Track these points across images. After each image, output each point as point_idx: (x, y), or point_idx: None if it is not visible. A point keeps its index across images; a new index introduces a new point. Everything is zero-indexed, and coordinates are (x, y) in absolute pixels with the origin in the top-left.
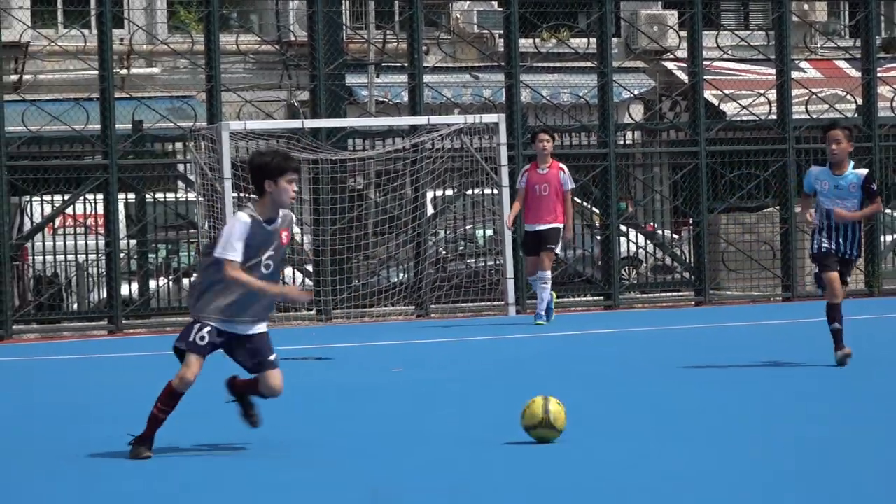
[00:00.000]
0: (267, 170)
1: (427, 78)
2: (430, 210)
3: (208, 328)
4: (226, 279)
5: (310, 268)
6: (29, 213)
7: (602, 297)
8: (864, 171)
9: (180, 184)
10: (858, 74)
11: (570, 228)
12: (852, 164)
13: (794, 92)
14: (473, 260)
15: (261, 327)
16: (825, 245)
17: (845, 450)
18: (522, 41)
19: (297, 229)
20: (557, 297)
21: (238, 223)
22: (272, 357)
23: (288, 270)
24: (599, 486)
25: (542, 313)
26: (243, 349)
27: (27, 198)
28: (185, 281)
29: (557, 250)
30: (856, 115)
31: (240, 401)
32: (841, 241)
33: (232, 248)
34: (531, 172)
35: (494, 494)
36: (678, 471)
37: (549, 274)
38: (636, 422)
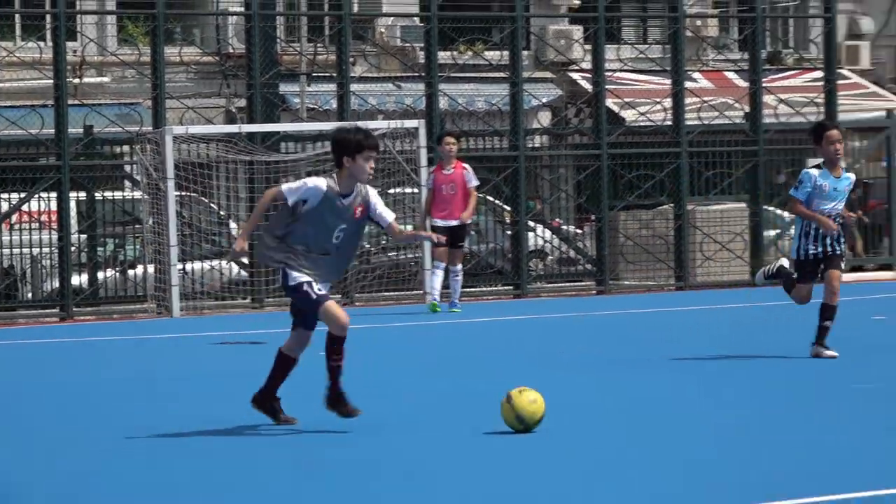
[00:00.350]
0: (347, 146)
1: (354, 87)
2: None
3: (310, 280)
4: (297, 232)
5: (245, 260)
6: None
7: (512, 287)
8: (853, 176)
9: (127, 183)
10: (746, 84)
11: (470, 214)
12: (843, 165)
13: (688, 100)
14: (395, 253)
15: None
16: (812, 251)
17: (730, 427)
18: (441, 53)
19: (233, 224)
20: (471, 287)
21: (314, 187)
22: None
23: (225, 262)
24: (503, 468)
25: (457, 301)
26: None
27: None
28: (131, 272)
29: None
30: (743, 122)
31: (335, 406)
32: (827, 241)
33: (292, 191)
34: (437, 174)
35: (406, 464)
36: (579, 453)
37: (460, 267)
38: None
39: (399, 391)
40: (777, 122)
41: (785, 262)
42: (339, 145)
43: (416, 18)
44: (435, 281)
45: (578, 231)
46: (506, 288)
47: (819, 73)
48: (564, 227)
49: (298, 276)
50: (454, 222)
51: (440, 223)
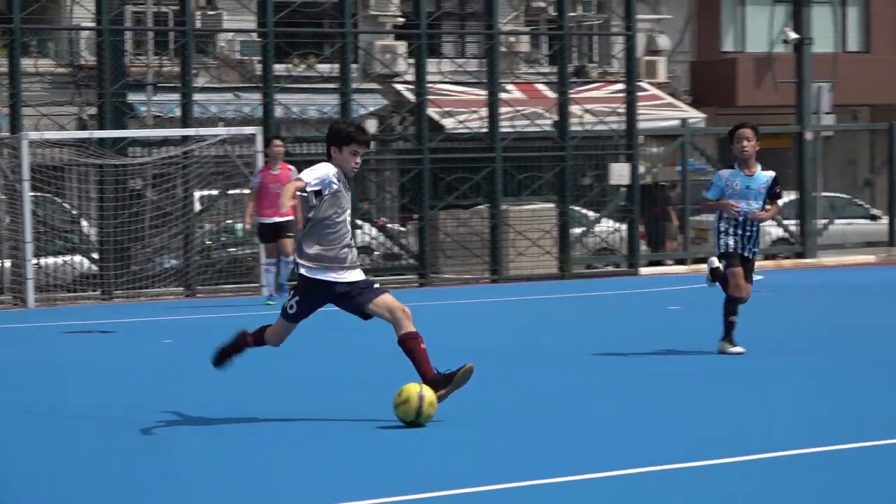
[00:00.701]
0: (336, 137)
1: (196, 96)
2: (197, 207)
3: (297, 299)
4: (322, 226)
5: (96, 255)
6: None
7: None
8: (772, 173)
9: None
10: (554, 95)
11: (300, 221)
12: (759, 164)
13: (502, 109)
14: (233, 249)
15: (355, 274)
16: (731, 245)
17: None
18: (276, 66)
19: (84, 223)
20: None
21: (328, 168)
22: (376, 285)
23: (77, 258)
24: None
25: (287, 285)
26: (345, 299)
27: None
28: None
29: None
30: (552, 129)
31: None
32: (745, 241)
33: (310, 176)
34: (265, 173)
35: (239, 441)
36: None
37: (292, 258)
38: (371, 387)
39: (236, 377)
40: (583, 129)
41: (714, 262)
42: (331, 136)
43: (253, 34)
44: (269, 278)
45: (402, 229)
46: None
47: (621, 86)
48: (389, 225)
49: (305, 273)
50: (278, 219)
51: (263, 220)
